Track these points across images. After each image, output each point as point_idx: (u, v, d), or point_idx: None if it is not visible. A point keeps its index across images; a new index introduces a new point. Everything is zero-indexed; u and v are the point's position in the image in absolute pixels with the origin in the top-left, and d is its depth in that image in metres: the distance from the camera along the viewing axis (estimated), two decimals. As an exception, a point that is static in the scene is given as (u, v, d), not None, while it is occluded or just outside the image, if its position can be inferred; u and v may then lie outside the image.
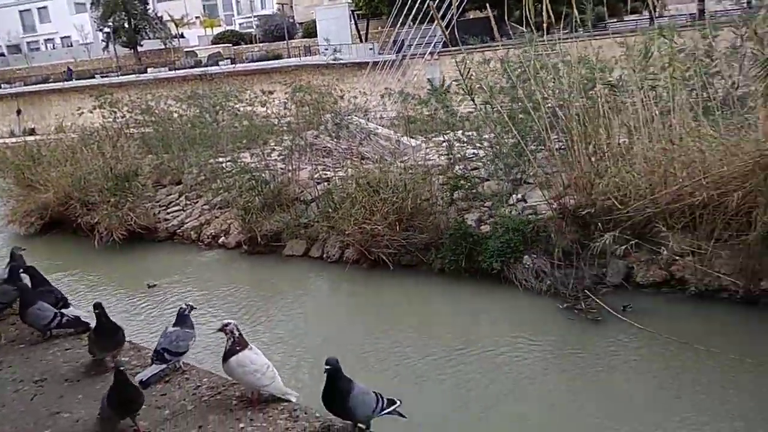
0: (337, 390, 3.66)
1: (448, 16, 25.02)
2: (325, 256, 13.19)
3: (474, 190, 12.88)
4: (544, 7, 11.25)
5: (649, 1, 11.61)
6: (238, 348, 4.10)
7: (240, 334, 4.20)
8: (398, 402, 3.97)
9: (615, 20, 38.14)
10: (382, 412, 3.85)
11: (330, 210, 13.10)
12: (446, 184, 12.82)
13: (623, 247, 9.71)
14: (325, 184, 14.63)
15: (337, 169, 15.28)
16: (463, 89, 11.73)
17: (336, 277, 12.69)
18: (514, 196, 12.72)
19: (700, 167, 9.16)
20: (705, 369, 7.98)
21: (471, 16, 44.69)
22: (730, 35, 11.73)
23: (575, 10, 11.54)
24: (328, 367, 3.65)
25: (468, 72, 11.25)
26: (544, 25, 11.78)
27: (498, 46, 13.41)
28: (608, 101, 11.36)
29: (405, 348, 9.39)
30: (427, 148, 14.55)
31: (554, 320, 9.70)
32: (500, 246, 10.85)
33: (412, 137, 15.72)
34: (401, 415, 4.00)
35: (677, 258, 9.54)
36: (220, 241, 14.92)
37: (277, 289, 12.45)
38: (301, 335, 10.17)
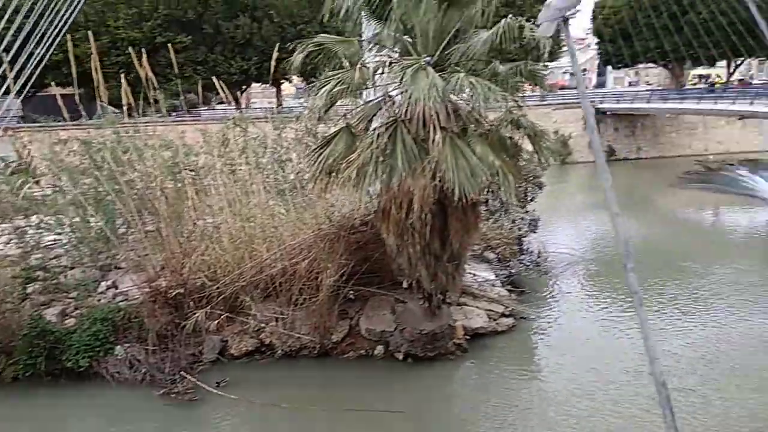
0: None
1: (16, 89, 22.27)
2: None
3: (55, 281, 11.52)
4: (122, 90, 11.19)
5: (223, 95, 12.72)
6: None
7: None
8: None
9: (206, 108, 40.56)
10: None
11: None
12: (18, 277, 11.11)
13: (216, 322, 10.11)
14: None
15: None
16: (27, 171, 10.57)
17: None
18: (104, 283, 11.90)
19: (276, 241, 10.34)
20: (288, 425, 8.87)
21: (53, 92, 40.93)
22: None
23: (155, 96, 11.84)
24: None
25: (28, 153, 10.21)
26: (125, 107, 11.72)
27: (81, 125, 12.68)
28: (195, 184, 11.90)
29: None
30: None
31: (152, 409, 9.25)
32: (87, 340, 9.89)
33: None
34: None
35: (264, 326, 10.39)
36: None
37: None
38: None
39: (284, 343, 10.42)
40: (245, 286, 10.50)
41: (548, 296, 13.48)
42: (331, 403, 9.15)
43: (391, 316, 10.78)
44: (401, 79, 7.67)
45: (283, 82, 41.99)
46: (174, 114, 25.89)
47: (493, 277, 13.22)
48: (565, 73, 70.60)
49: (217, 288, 10.42)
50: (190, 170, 11.50)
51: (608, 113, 36.78)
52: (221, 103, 45.77)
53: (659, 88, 48.15)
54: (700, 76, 55.30)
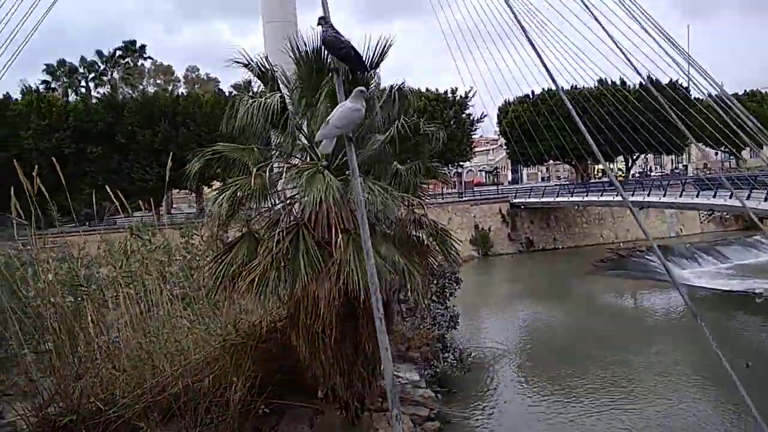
0: None
1: None
2: None
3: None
4: (11, 204, 10.59)
5: (118, 204, 12.07)
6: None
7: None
8: None
9: (122, 216, 39.10)
10: None
11: None
12: None
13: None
14: None
15: None
16: None
17: None
18: (-13, 414, 10.58)
19: (179, 356, 9.64)
20: None
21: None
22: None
23: (50, 207, 11.28)
24: None
25: None
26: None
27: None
28: (94, 298, 11.13)
29: None
30: None
31: None
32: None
33: None
34: None
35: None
36: None
37: None
38: None
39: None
40: (147, 408, 9.60)
41: (474, 394, 13.22)
42: None
43: (309, 430, 10.10)
44: (300, 182, 7.69)
45: (203, 187, 41.64)
46: (88, 224, 24.95)
47: (417, 378, 12.86)
48: (481, 170, 74.59)
49: (114, 412, 9.45)
50: (82, 286, 10.75)
51: (522, 207, 38.57)
52: (139, 209, 44.47)
53: (567, 182, 51.39)
54: (603, 171, 59.51)
